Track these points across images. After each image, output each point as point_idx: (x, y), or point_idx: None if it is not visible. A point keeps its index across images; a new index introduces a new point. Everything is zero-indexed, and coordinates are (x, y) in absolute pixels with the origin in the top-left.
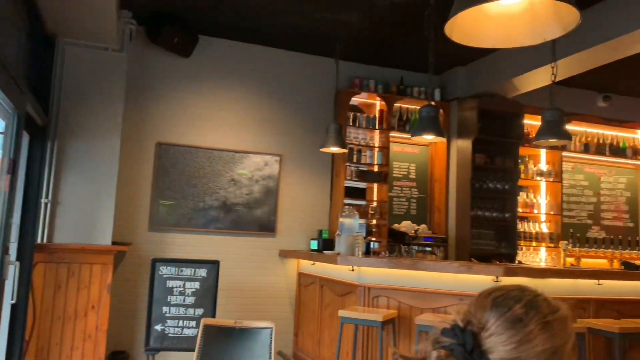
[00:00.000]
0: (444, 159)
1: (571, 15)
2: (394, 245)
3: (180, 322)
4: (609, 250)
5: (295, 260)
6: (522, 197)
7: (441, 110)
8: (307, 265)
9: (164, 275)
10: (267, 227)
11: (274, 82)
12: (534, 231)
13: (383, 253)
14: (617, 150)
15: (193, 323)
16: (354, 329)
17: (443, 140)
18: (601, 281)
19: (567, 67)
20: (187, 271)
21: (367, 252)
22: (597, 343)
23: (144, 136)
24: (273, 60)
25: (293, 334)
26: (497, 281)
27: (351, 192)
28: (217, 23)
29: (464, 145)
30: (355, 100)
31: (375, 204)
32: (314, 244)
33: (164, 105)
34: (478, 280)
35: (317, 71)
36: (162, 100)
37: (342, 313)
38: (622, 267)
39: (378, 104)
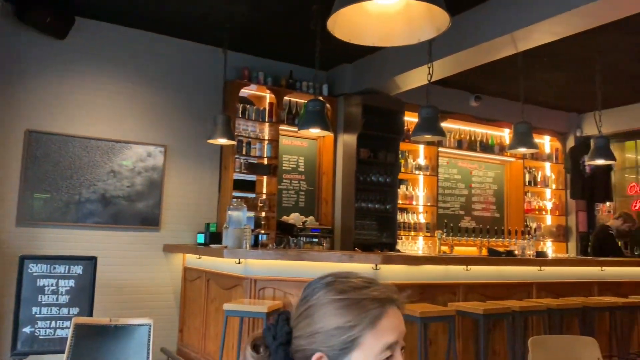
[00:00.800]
0: (331, 152)
1: (443, 18)
2: (283, 237)
3: (53, 322)
4: (478, 238)
5: (181, 255)
6: (402, 189)
7: (329, 105)
8: (193, 260)
9: (34, 274)
10: (150, 221)
11: (158, 70)
12: (412, 221)
13: (271, 245)
14: (487, 147)
15: (67, 323)
16: (239, 321)
17: (330, 134)
18: (469, 267)
19: (442, 68)
20: (61, 269)
21: (255, 244)
22: (465, 324)
23: (10, 123)
24: (158, 47)
25: (178, 329)
26: (376, 269)
27: (240, 185)
28: (97, 5)
29: (349, 139)
30: (245, 91)
31: (264, 196)
32: (201, 238)
33: (34, 90)
34: (359, 268)
35: (205, 60)
36: (33, 84)
37: (226, 306)
38: (488, 253)
39: (268, 96)
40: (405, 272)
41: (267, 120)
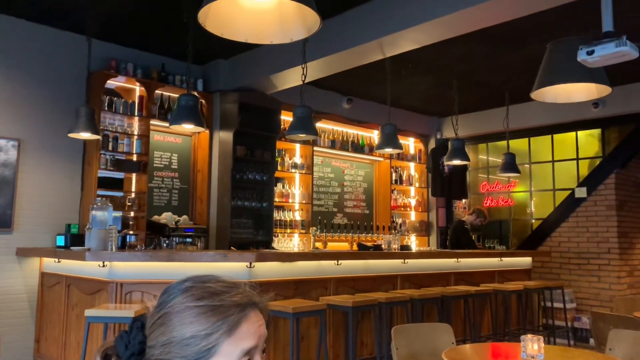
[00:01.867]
0: (206, 149)
1: (313, 19)
2: (153, 238)
3: None
4: (350, 234)
5: (38, 259)
6: (278, 188)
7: (204, 101)
8: (52, 264)
9: None
10: (0, 222)
11: (12, 57)
12: (288, 219)
13: (140, 246)
14: (358, 147)
15: None
16: (103, 328)
17: (204, 130)
18: (340, 262)
19: (316, 69)
20: None
21: (123, 246)
22: (336, 317)
23: None
24: (14, 31)
25: (34, 340)
26: (250, 267)
27: (106, 183)
28: None
29: (225, 136)
30: (112, 83)
31: (133, 195)
32: (61, 240)
33: None
34: (234, 267)
35: (68, 48)
36: None
37: (88, 312)
38: (358, 248)
39: (138, 89)
40: (279, 269)
41: (136, 114)
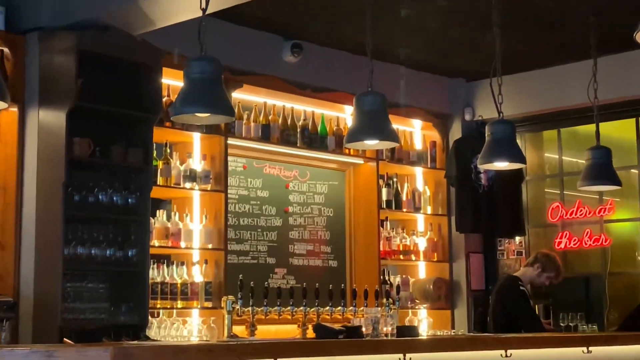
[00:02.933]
0: (12, 144)
1: None
2: None
3: None
4: (300, 308)
5: None
6: (159, 219)
7: (6, 50)
8: None
9: None
10: None
11: None
12: (179, 281)
13: None
14: (314, 139)
15: None
16: None
17: (6, 107)
18: None
19: None
20: None
21: None
22: None
23: None
24: None
25: None
26: None
27: None
28: None
29: (52, 119)
30: None
31: None
32: None
33: None
34: None
35: None
36: None
37: None
38: (315, 334)
39: None
40: None
41: None
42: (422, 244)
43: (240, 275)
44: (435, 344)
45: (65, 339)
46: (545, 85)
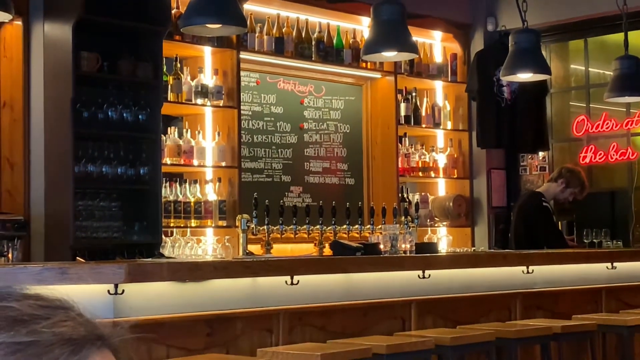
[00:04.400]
0: (18, 60)
1: None
2: None
3: None
4: (317, 226)
5: None
6: (171, 136)
7: None
8: None
9: None
10: None
11: None
12: (193, 200)
13: None
14: (329, 52)
15: None
16: None
17: (10, 20)
18: (296, 278)
19: None
20: None
21: None
22: None
23: None
24: None
25: None
26: (116, 293)
27: None
28: None
29: (58, 33)
30: None
31: None
32: None
33: None
34: (83, 293)
35: None
36: None
37: None
38: (332, 251)
39: None
40: (176, 296)
41: None
42: (441, 160)
43: (255, 194)
44: (455, 260)
45: (78, 257)
46: None
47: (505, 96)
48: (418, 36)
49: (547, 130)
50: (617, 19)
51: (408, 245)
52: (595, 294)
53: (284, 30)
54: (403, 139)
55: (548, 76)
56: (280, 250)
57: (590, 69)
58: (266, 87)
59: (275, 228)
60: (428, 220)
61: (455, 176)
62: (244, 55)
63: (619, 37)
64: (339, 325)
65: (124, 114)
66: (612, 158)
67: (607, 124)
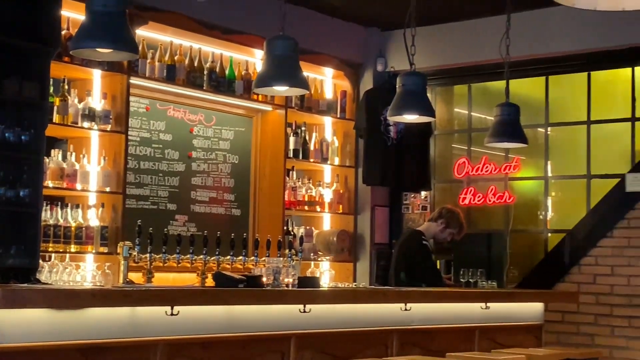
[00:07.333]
0: None
1: None
2: None
3: None
4: (200, 257)
5: None
6: (54, 158)
7: None
8: None
9: None
10: None
11: None
12: (74, 225)
13: None
14: (221, 82)
15: None
16: None
17: None
18: (177, 309)
19: None
20: None
21: None
22: None
23: None
24: None
25: None
26: None
27: None
28: None
29: None
30: None
31: None
32: None
33: None
34: None
35: None
36: None
37: None
38: (214, 282)
39: None
40: (52, 323)
41: None
42: (327, 195)
43: (139, 221)
44: (335, 296)
45: None
46: (458, 39)
47: (392, 135)
48: (310, 72)
49: (430, 171)
50: (500, 67)
51: (290, 279)
52: (470, 333)
53: (176, 58)
54: (291, 172)
55: (433, 118)
56: (162, 279)
57: (473, 114)
58: (156, 113)
59: (157, 256)
60: (312, 254)
61: (341, 211)
62: (134, 80)
63: (501, 84)
64: (219, 358)
65: (6, 134)
66: (490, 201)
67: (487, 167)
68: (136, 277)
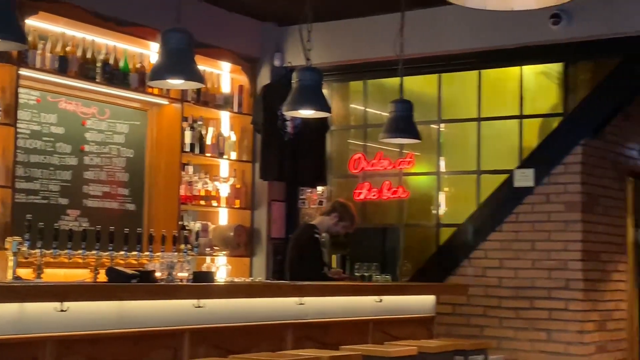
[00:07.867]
0: None
1: None
2: None
3: None
4: (92, 252)
5: None
6: None
7: None
8: None
9: None
10: None
11: None
12: None
13: None
14: (115, 75)
15: None
16: None
17: None
18: (66, 304)
19: None
20: None
21: None
22: None
23: None
24: None
25: None
26: None
27: None
28: None
29: None
30: None
31: None
32: None
33: None
34: None
35: None
36: None
37: None
38: (107, 278)
39: None
40: None
41: None
42: (224, 190)
43: (29, 216)
44: (230, 290)
45: None
46: (354, 36)
47: (289, 130)
48: (206, 66)
49: (326, 166)
50: (395, 64)
51: (185, 274)
52: (363, 326)
53: (68, 49)
54: (187, 166)
55: (328, 114)
56: (53, 275)
57: (368, 109)
58: (47, 106)
59: (48, 252)
60: (208, 249)
61: (237, 206)
62: (24, 72)
63: (395, 80)
64: (109, 354)
65: None
66: (384, 196)
67: (382, 162)
68: (26, 273)
